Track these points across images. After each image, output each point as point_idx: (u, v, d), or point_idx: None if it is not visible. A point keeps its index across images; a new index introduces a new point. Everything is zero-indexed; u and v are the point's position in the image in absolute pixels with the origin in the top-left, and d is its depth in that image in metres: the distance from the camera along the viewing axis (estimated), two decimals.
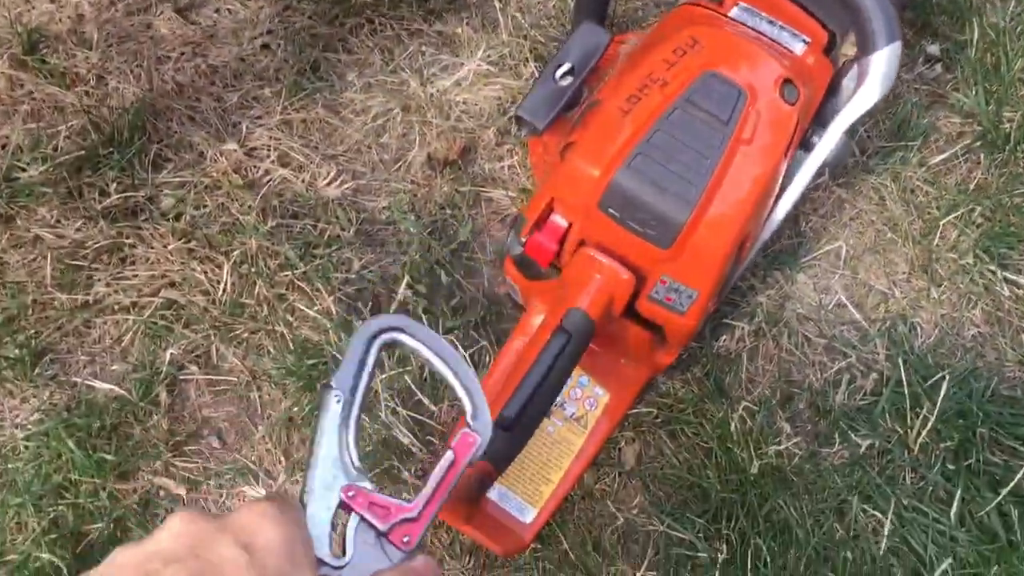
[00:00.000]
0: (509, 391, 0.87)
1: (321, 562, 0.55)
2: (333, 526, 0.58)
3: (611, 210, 0.87)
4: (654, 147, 0.86)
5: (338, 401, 0.61)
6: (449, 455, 0.61)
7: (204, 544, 0.41)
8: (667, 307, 0.92)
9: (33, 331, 1.06)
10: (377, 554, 0.59)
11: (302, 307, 1.07)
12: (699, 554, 0.99)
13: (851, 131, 0.97)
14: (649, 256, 0.88)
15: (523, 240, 0.94)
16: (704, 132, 0.86)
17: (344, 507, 0.59)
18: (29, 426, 1.01)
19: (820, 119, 0.97)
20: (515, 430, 0.86)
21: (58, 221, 1.11)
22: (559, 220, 0.92)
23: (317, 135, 1.21)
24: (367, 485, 0.59)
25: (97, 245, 1.09)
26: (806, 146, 0.97)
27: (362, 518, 0.59)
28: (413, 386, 1.03)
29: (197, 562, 0.40)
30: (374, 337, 0.63)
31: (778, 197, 0.95)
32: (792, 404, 1.09)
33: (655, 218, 0.86)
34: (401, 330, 0.64)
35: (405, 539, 0.60)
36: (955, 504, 1.02)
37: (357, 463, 0.60)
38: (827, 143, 0.94)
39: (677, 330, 0.95)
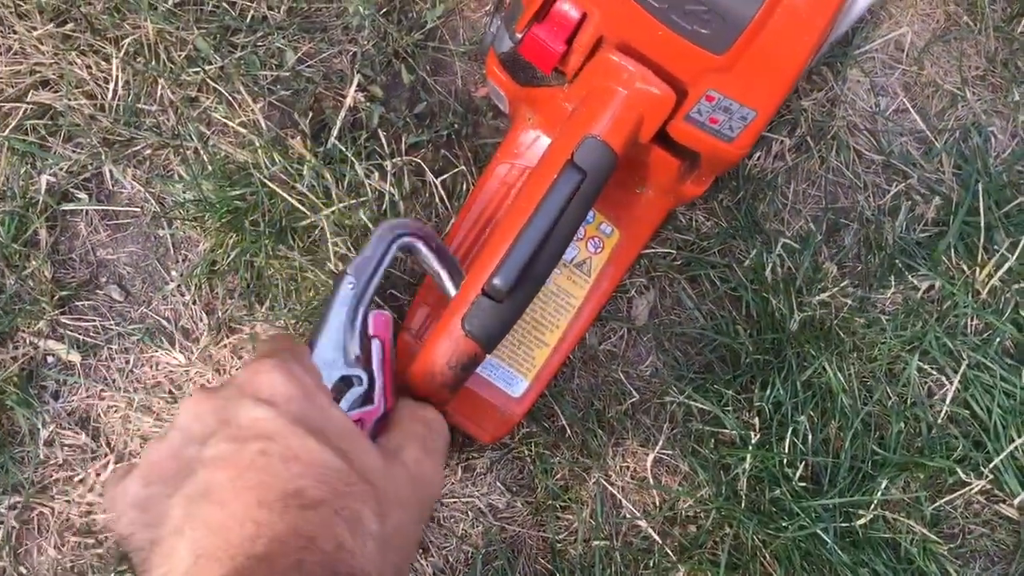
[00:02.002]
0: (498, 248, 0.65)
1: None
2: None
3: None
4: None
5: (351, 287, 0.64)
6: (377, 343, 0.65)
7: (228, 413, 0.43)
8: (711, 131, 0.68)
9: None
10: None
11: (220, 116, 0.82)
12: (726, 430, 0.81)
13: None
14: (695, 64, 0.64)
15: (518, 35, 0.68)
16: None
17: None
18: None
19: None
20: (508, 301, 0.65)
21: None
22: (569, 9, 0.66)
23: None
24: (359, 379, 0.63)
25: None
26: None
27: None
28: (370, 224, 0.80)
29: (230, 429, 0.42)
30: (398, 237, 0.67)
31: None
32: (840, 238, 0.88)
33: (710, 11, 0.61)
34: (424, 240, 0.67)
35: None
36: None
37: (356, 353, 0.63)
38: None
39: (719, 160, 0.72)
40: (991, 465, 0.82)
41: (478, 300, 0.65)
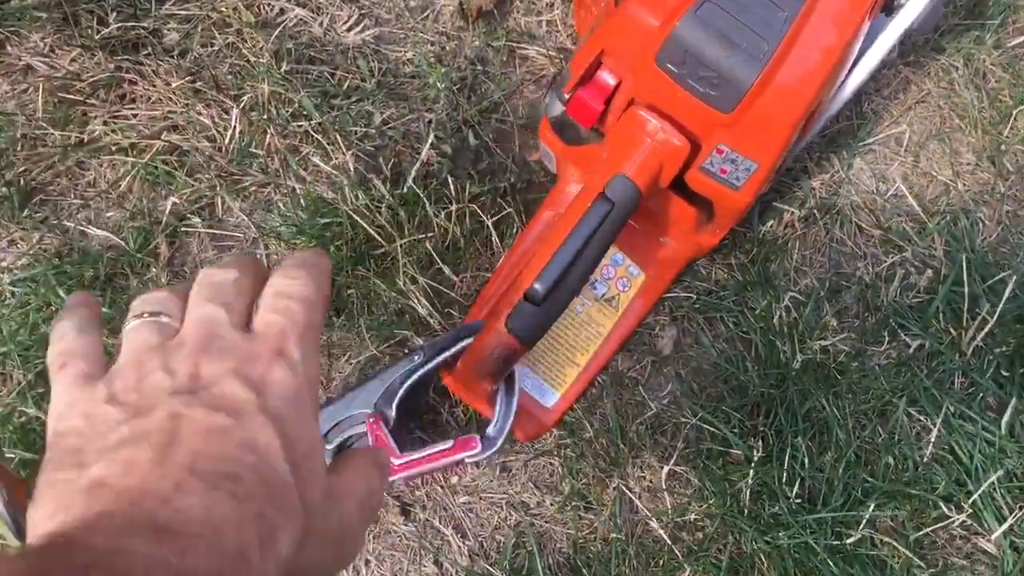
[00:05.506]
0: (539, 263, 0.78)
1: None
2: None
3: (669, 65, 0.77)
4: None
5: (418, 358, 0.82)
6: (449, 443, 0.80)
7: (208, 371, 0.38)
8: (720, 180, 0.83)
9: (23, 168, 0.97)
10: None
11: (317, 161, 0.98)
12: (732, 450, 0.92)
13: None
14: (707, 121, 0.79)
15: (565, 97, 0.84)
16: None
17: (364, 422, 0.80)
18: (16, 271, 0.93)
19: None
20: (545, 304, 0.78)
21: (52, 50, 1.01)
22: (607, 77, 0.82)
23: None
24: (389, 420, 0.80)
25: (93, 79, 0.99)
26: (888, 9, 0.86)
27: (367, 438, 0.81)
28: (434, 254, 0.95)
29: (203, 391, 0.38)
30: (471, 334, 0.82)
31: (853, 65, 0.85)
32: (840, 298, 1.01)
33: (719, 76, 0.76)
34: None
35: None
36: (1007, 413, 0.94)
37: (396, 404, 0.80)
38: (915, 5, 0.83)
39: (729, 207, 0.86)
40: (970, 500, 0.91)
41: (520, 304, 0.78)
